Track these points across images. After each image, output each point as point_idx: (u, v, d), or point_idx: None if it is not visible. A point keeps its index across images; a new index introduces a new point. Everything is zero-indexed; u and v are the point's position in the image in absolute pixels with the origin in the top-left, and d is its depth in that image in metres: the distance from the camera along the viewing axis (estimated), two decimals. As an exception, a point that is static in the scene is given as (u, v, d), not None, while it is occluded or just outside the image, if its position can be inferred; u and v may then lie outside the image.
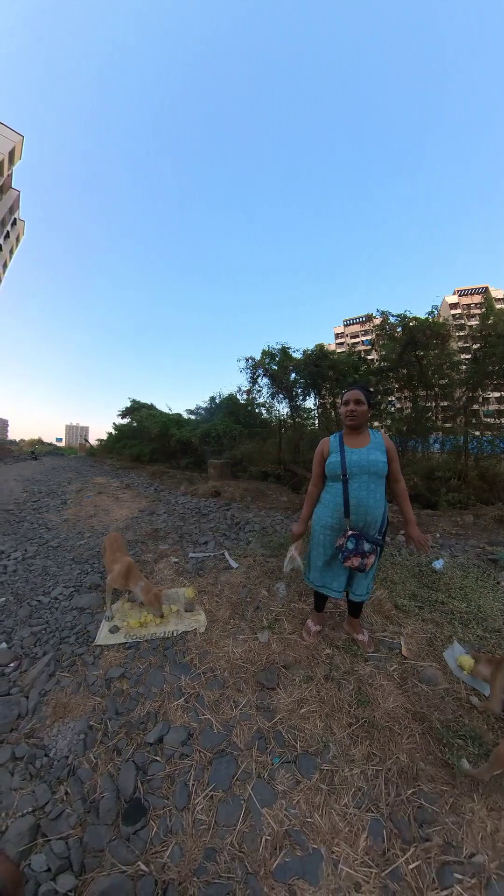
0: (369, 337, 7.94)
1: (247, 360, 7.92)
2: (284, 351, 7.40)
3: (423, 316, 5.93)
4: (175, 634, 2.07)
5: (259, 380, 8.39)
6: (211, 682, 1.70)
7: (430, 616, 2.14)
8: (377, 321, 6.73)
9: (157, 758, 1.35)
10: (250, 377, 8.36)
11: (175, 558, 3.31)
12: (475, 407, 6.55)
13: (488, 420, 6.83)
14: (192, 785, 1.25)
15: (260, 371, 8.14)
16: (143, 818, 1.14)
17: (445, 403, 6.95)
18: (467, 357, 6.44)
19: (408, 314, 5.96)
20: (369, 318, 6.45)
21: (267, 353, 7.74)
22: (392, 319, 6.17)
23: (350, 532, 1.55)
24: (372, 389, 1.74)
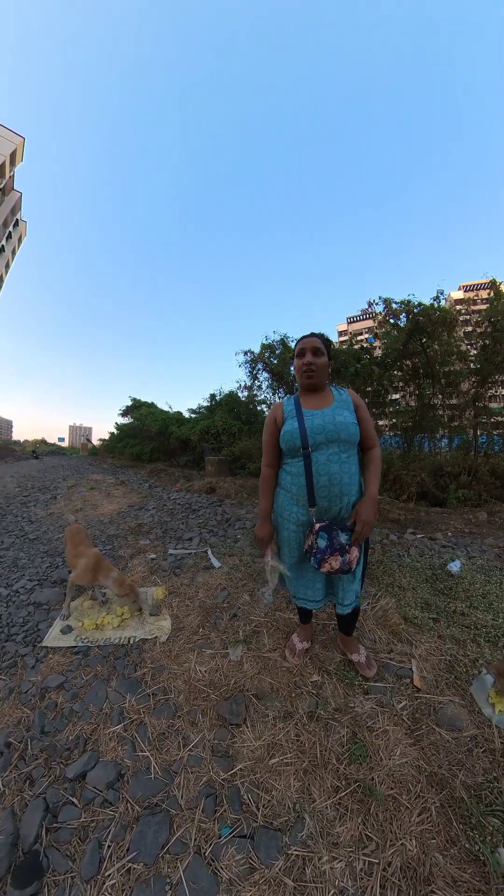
0: (372, 334, 7.49)
1: (245, 353, 7.54)
2: (284, 343, 7.00)
3: (428, 302, 5.47)
4: (132, 642, 1.70)
5: (259, 375, 8.00)
6: (161, 707, 1.31)
7: (449, 631, 1.67)
8: (379, 317, 6.30)
9: (74, 800, 1.00)
10: (250, 372, 7.97)
11: (153, 555, 2.92)
12: (483, 404, 6.06)
13: (498, 418, 6.33)
14: (108, 848, 0.89)
15: (260, 366, 7.75)
16: (37, 882, 0.84)
17: (453, 401, 6.48)
18: (474, 352, 5.99)
19: (412, 299, 5.49)
20: (370, 305, 5.99)
21: (266, 347, 7.34)
22: (395, 306, 5.71)
23: (318, 525, 1.11)
24: (331, 342, 1.21)
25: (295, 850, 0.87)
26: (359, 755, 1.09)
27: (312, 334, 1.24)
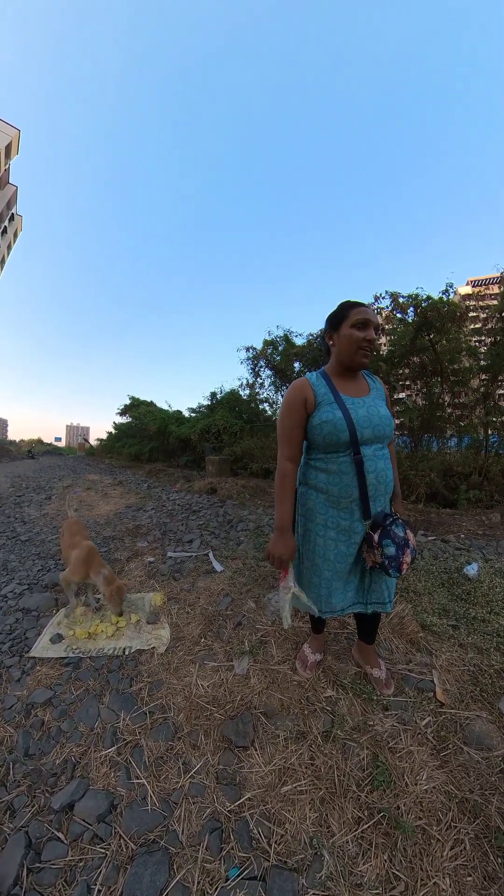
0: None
1: (247, 349, 7.47)
2: (287, 338, 6.92)
3: (436, 296, 5.38)
4: (127, 653, 1.61)
5: (261, 372, 7.93)
6: (158, 727, 1.21)
7: (470, 639, 1.58)
8: (386, 312, 6.23)
9: (60, 834, 0.90)
10: (251, 369, 7.91)
11: (151, 558, 2.83)
12: (493, 402, 5.98)
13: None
14: (98, 892, 0.79)
15: (262, 363, 7.68)
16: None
17: (462, 399, 6.40)
18: (484, 349, 5.92)
19: (420, 293, 5.41)
20: (376, 299, 5.91)
21: (269, 343, 7.27)
22: (402, 300, 5.63)
23: (377, 535, 1.01)
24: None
25: (313, 894, 0.78)
26: (381, 780, 0.99)
27: (366, 305, 1.03)
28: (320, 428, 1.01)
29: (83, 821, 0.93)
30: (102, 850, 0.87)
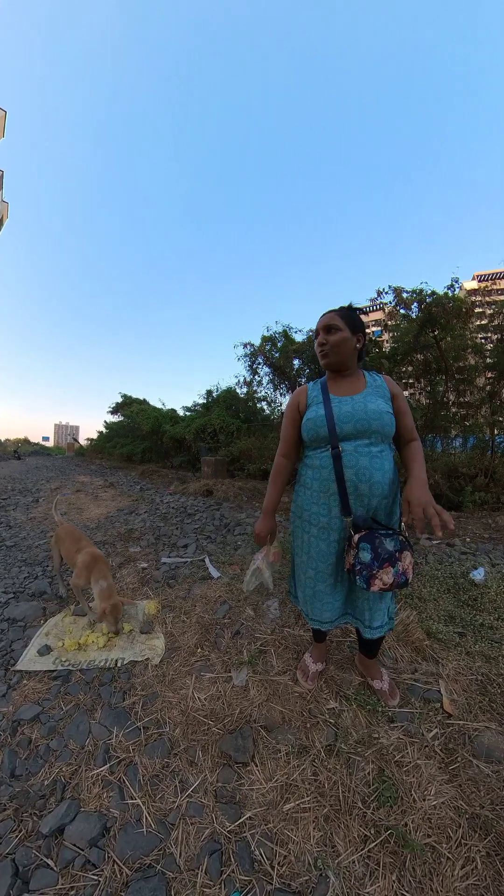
0: (380, 327, 7.44)
1: (245, 345, 7.45)
2: (286, 334, 6.92)
3: (441, 291, 5.41)
4: (119, 665, 1.59)
5: (259, 369, 7.93)
6: (154, 743, 1.20)
7: (477, 647, 1.59)
8: (389, 307, 6.25)
9: (50, 861, 0.88)
10: (249, 366, 7.90)
11: (144, 563, 2.82)
12: (500, 401, 6.03)
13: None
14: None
15: (260, 360, 7.67)
16: None
17: (467, 398, 6.44)
18: (490, 346, 5.96)
19: (424, 288, 5.43)
20: (379, 294, 5.92)
21: (267, 339, 7.26)
22: (406, 295, 5.65)
23: (358, 535, 0.99)
24: (357, 314, 1.18)
25: (318, 918, 0.78)
26: (388, 796, 0.99)
27: (331, 310, 1.15)
28: (305, 426, 1.13)
29: (74, 845, 0.91)
30: (95, 877, 0.85)
